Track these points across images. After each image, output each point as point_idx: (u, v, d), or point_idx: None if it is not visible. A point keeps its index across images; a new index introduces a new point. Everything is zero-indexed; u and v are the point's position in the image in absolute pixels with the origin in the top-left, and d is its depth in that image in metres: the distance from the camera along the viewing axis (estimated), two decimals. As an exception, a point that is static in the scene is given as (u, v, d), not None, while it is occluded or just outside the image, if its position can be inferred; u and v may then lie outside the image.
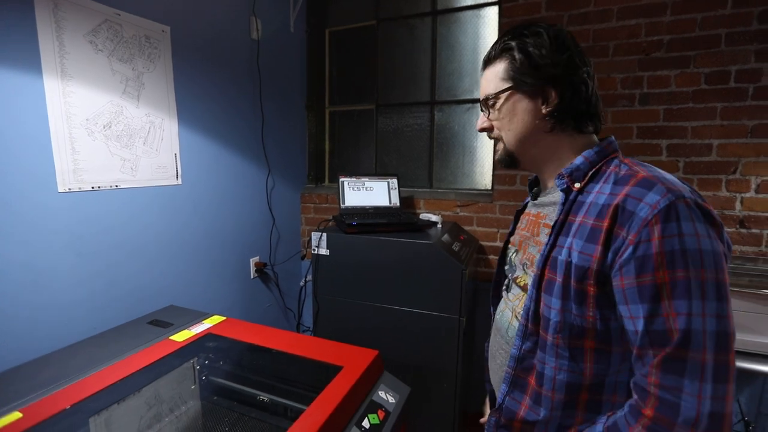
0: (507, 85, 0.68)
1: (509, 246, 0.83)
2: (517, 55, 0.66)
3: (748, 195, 1.58)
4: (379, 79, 2.23)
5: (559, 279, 0.62)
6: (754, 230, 1.59)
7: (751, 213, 1.58)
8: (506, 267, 0.83)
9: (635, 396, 0.57)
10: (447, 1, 2.05)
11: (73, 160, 1.16)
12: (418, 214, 2.02)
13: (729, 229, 1.61)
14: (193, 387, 1.08)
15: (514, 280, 0.77)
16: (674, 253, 0.53)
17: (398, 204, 1.94)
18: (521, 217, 0.84)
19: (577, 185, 0.65)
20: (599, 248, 0.58)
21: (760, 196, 1.56)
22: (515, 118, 0.69)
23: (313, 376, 0.90)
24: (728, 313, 0.53)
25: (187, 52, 1.52)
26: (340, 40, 2.32)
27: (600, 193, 0.62)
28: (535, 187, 0.81)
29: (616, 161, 0.66)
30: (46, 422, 0.73)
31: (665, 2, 1.61)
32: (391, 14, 2.17)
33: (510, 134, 0.71)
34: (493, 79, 0.70)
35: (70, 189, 1.16)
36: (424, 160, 2.18)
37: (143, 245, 1.39)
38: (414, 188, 2.17)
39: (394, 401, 0.92)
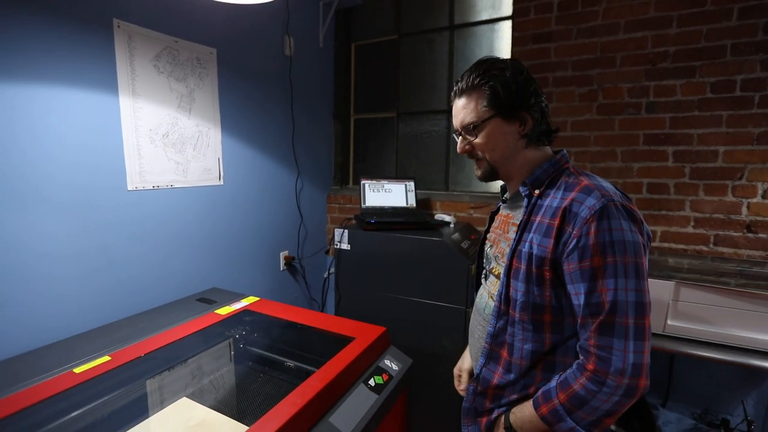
0: (491, 113, 0.79)
1: (486, 242, 0.98)
2: (497, 87, 0.78)
3: (754, 200, 1.62)
4: (400, 88, 2.40)
5: (523, 267, 0.77)
6: (761, 235, 1.62)
7: (758, 218, 1.62)
8: (484, 260, 0.98)
9: (581, 357, 0.72)
10: (463, 16, 2.20)
11: (139, 164, 1.41)
12: (434, 214, 2.17)
13: (735, 234, 1.66)
14: (232, 353, 1.29)
15: (491, 270, 0.91)
16: (605, 243, 0.69)
17: (414, 205, 2.10)
18: (495, 217, 0.99)
19: (537, 191, 0.80)
20: (552, 241, 0.74)
21: (767, 201, 1.60)
22: (499, 140, 0.81)
23: (330, 346, 1.08)
24: (644, 288, 0.69)
25: (230, 69, 1.75)
26: (364, 53, 2.52)
27: (554, 198, 0.77)
28: (506, 193, 0.95)
29: (567, 171, 0.81)
30: (127, 364, 0.97)
31: (671, 15, 1.68)
32: (411, 29, 2.34)
33: (495, 154, 0.83)
34: (473, 109, 0.81)
35: (136, 188, 1.40)
36: (441, 164, 2.33)
37: (191, 236, 1.62)
38: (431, 191, 2.32)
39: (397, 368, 1.09)
